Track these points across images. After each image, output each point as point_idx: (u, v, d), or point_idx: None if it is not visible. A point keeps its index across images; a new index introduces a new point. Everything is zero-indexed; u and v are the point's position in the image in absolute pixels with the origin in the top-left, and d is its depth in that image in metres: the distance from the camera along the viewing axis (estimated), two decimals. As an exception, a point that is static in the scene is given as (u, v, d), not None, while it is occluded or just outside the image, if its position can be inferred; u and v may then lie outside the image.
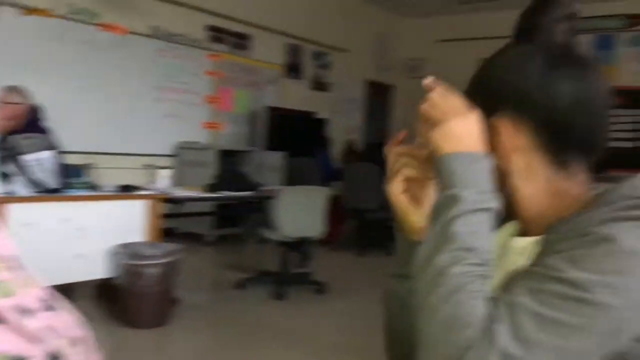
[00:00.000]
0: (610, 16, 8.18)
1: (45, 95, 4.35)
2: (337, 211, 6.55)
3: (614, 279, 0.68)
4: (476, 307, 0.69)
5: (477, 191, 0.76)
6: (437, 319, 0.71)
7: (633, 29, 8.05)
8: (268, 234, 4.59)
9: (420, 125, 0.84)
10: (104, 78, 5.79)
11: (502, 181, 0.82)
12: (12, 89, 3.92)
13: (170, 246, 3.80)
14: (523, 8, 0.88)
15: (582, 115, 0.80)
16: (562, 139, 0.80)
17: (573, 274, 0.69)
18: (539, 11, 0.85)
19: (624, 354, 0.71)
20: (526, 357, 0.66)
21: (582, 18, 0.87)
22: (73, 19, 5.50)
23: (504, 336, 0.67)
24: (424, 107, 0.83)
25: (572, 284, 0.68)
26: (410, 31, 9.67)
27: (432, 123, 0.82)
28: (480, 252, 0.73)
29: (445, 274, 0.72)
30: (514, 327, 0.67)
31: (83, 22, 5.58)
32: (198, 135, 6.64)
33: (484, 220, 0.75)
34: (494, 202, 0.77)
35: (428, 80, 0.84)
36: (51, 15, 5.30)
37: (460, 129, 0.80)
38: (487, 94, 0.85)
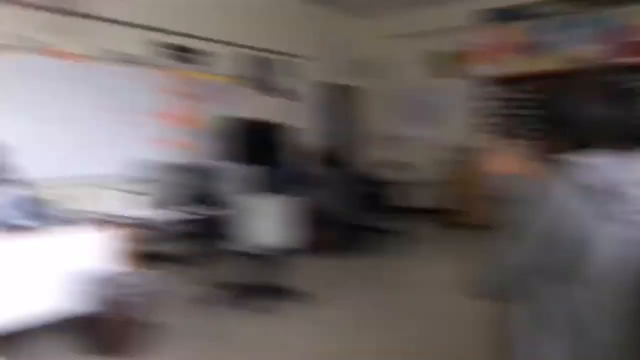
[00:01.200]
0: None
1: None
2: (317, 219, 6.48)
3: None
4: None
5: None
6: None
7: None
8: (236, 246, 4.50)
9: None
10: (60, 106, 5.67)
11: None
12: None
13: (153, 273, 3.69)
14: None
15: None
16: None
17: None
18: None
19: None
20: None
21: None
22: (22, 49, 5.34)
23: None
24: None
25: None
26: (357, 30, 9.66)
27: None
28: None
29: None
30: None
31: (31, 50, 5.43)
32: (153, 153, 6.48)
33: None
34: None
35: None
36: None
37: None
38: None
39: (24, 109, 5.43)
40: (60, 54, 5.63)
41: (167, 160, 6.49)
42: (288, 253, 4.71)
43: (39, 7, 5.41)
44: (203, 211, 4.86)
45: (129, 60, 6.31)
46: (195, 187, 5.55)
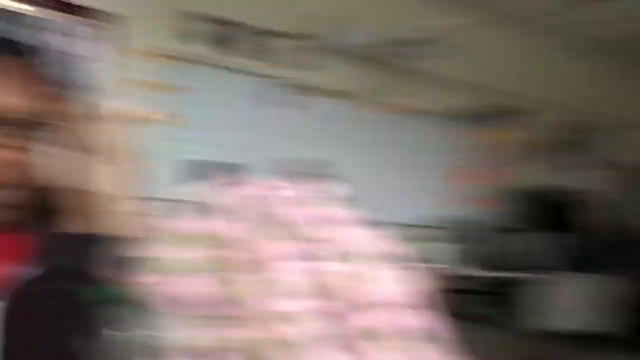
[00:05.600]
0: None
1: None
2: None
3: None
4: None
5: None
6: None
7: None
8: (532, 323, 4.11)
9: None
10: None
11: None
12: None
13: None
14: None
15: None
16: None
17: None
18: None
19: None
20: None
21: None
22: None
23: None
24: None
25: None
26: None
27: None
28: None
29: None
30: None
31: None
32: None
33: None
34: None
35: None
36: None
37: None
38: None
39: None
40: (380, 107, 6.02)
41: (470, 217, 6.37)
42: (600, 340, 4.16)
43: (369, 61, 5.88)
44: (496, 275, 4.63)
45: (440, 115, 6.43)
46: (493, 248, 5.35)
